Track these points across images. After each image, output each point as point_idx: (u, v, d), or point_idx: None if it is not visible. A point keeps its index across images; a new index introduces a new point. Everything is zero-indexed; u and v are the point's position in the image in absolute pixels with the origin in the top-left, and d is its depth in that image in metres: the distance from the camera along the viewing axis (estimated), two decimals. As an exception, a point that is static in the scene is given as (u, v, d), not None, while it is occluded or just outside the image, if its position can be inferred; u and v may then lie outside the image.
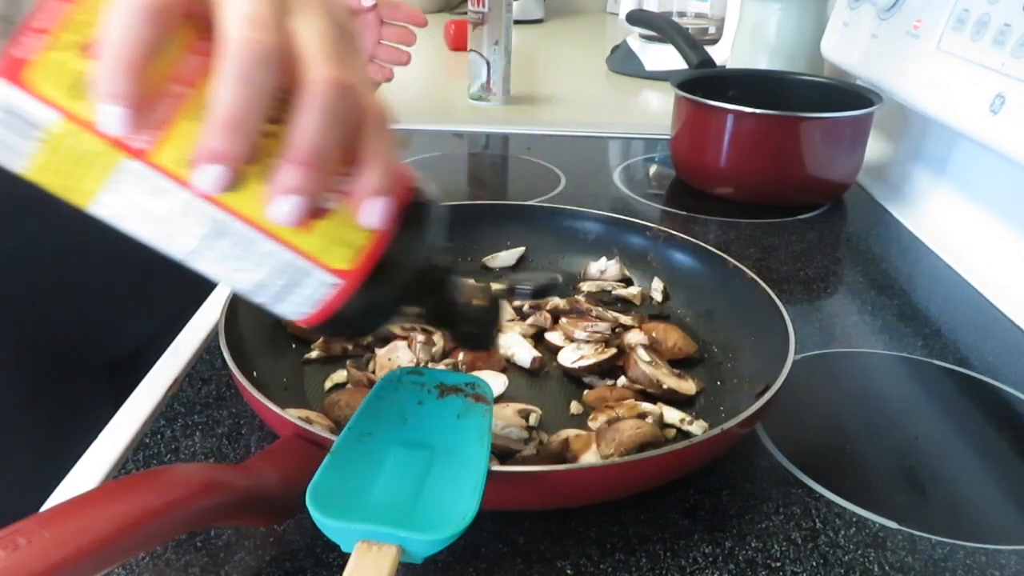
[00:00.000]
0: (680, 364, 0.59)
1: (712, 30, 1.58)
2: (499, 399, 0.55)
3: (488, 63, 1.28)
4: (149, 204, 0.31)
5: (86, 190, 0.31)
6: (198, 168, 0.30)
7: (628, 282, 0.71)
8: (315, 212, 0.32)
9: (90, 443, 0.51)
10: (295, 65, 0.31)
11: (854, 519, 0.47)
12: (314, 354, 0.59)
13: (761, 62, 1.18)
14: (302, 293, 0.34)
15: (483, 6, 1.23)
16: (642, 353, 0.57)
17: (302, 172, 0.30)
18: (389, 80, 0.95)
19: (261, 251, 0.32)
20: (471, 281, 0.41)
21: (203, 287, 0.70)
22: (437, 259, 0.37)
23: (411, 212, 0.35)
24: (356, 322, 0.36)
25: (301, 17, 0.31)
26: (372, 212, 0.33)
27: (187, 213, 0.31)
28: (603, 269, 0.71)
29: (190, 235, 0.32)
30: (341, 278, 0.34)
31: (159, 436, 0.52)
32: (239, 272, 0.33)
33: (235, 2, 0.30)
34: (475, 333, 0.42)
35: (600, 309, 0.64)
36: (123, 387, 0.56)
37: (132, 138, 0.29)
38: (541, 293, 0.46)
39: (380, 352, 0.59)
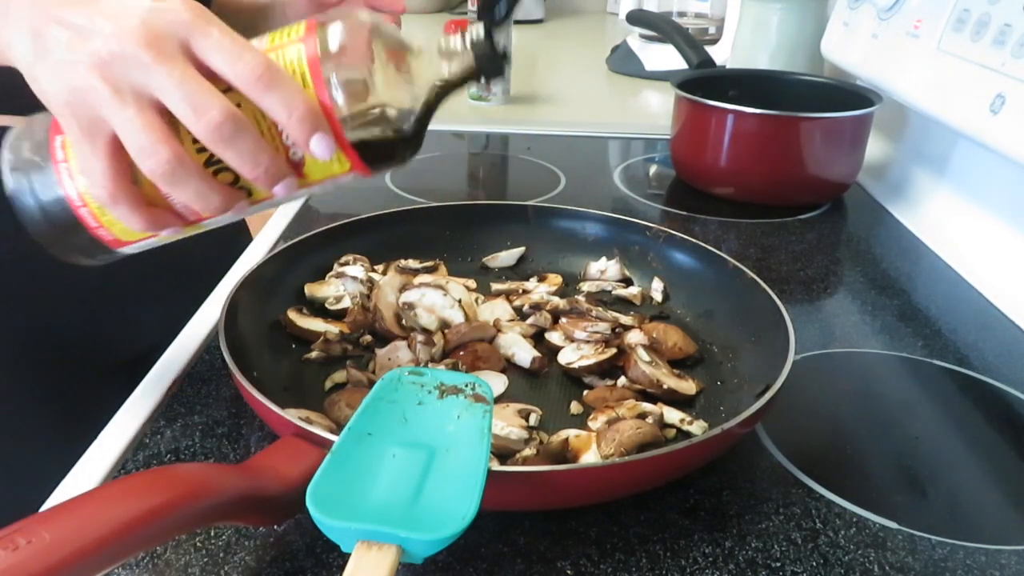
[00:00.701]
0: (680, 364, 0.60)
1: (712, 30, 1.58)
2: (499, 399, 0.55)
3: (488, 63, 1.27)
4: None
5: None
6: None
7: (628, 282, 0.71)
8: (297, 164, 0.41)
9: (94, 444, 0.51)
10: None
11: (854, 519, 0.47)
12: (314, 354, 0.59)
13: (761, 62, 1.18)
14: (345, 183, 0.44)
15: (483, 6, 1.23)
16: (642, 353, 0.57)
17: (260, 179, 0.40)
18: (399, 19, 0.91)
19: (300, 193, 0.44)
20: (449, 46, 0.45)
21: (212, 289, 0.70)
22: (415, 85, 0.43)
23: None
24: (398, 160, 0.45)
25: (153, 88, 0.37)
26: (317, 151, 0.40)
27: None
28: (603, 269, 0.71)
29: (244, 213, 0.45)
30: (352, 171, 0.43)
31: (159, 436, 0.52)
32: (301, 199, 0.45)
33: (133, 127, 0.37)
34: (487, 71, 0.46)
35: (600, 309, 0.64)
36: (133, 389, 0.56)
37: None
38: (512, 5, 0.49)
39: (380, 352, 0.59)
